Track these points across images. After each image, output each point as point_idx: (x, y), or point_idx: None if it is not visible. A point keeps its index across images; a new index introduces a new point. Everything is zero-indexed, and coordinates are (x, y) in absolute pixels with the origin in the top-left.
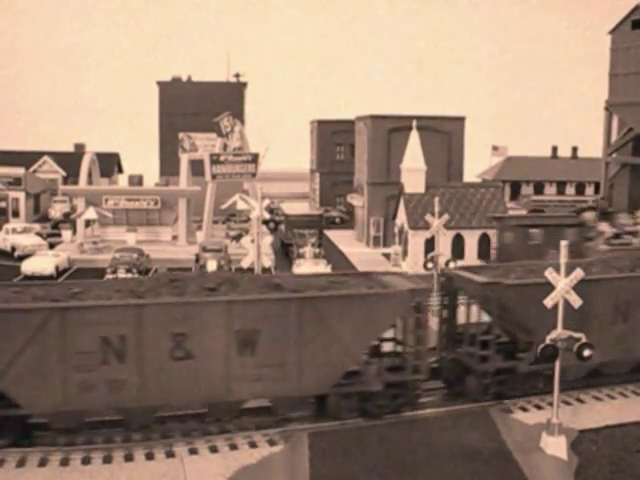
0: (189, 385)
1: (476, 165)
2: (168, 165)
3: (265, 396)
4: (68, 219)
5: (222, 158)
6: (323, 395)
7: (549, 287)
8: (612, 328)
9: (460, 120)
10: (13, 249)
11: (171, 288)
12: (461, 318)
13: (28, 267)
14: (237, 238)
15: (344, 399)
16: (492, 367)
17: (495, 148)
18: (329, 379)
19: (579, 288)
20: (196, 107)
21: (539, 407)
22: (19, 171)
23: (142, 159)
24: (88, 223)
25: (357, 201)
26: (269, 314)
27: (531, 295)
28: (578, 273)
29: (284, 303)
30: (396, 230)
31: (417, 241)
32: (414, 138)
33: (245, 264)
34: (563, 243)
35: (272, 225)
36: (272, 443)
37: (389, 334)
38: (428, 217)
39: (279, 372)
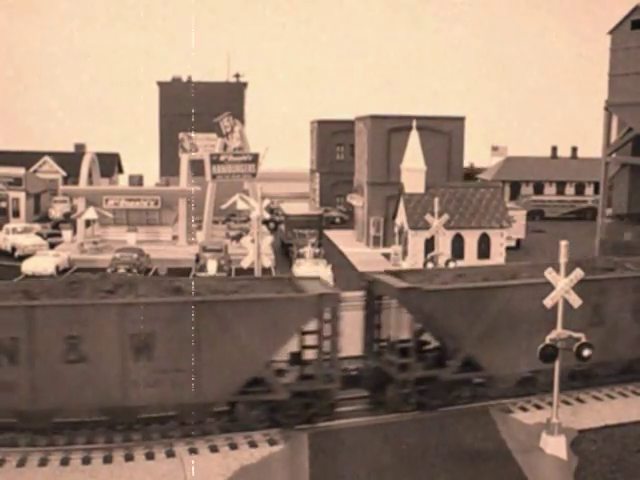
0: (83, 389)
1: (476, 165)
2: (168, 165)
3: (164, 403)
4: (68, 219)
5: (222, 158)
6: (233, 403)
7: (470, 292)
8: (539, 336)
9: (460, 120)
10: (13, 249)
11: (68, 290)
12: (387, 324)
13: (28, 267)
14: (237, 238)
15: (253, 408)
16: (412, 376)
17: (495, 148)
18: (230, 387)
19: (473, 296)
20: (196, 107)
21: (539, 407)
22: (19, 171)
23: (142, 159)
24: (88, 223)
25: (357, 201)
26: (164, 318)
27: (451, 300)
28: (578, 273)
29: (180, 307)
30: (396, 230)
31: (417, 241)
32: (414, 138)
33: (245, 264)
34: (563, 243)
35: (272, 225)
36: (272, 443)
37: (312, 341)
38: (428, 217)
39: (177, 378)
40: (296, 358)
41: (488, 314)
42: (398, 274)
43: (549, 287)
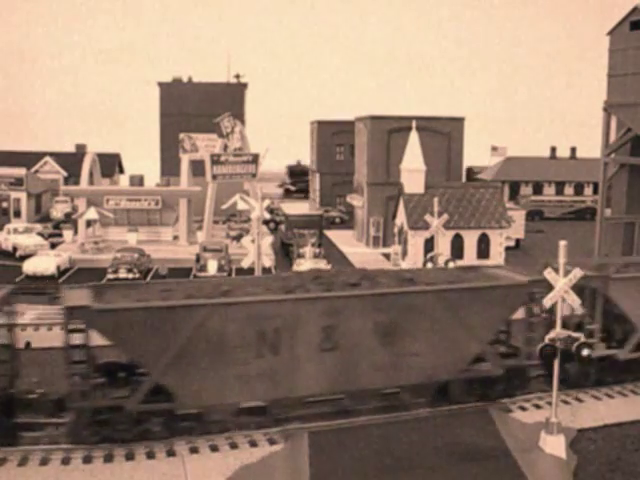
0: None
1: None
2: (169, 165)
3: None
4: (69, 219)
5: (223, 159)
6: None
7: (152, 312)
8: (256, 362)
9: (459, 120)
10: (15, 249)
11: None
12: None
13: (30, 267)
14: (237, 238)
15: None
16: (90, 404)
17: (494, 148)
18: None
19: (157, 316)
20: (197, 108)
21: (538, 406)
22: (21, 171)
23: (143, 159)
24: (89, 223)
25: (357, 201)
26: None
27: (129, 321)
28: (577, 272)
29: None
30: (396, 230)
31: (417, 241)
32: (413, 138)
33: (245, 264)
34: (562, 243)
35: (272, 225)
36: (272, 442)
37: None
38: (427, 217)
39: None
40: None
41: (178, 337)
42: (100, 289)
43: (268, 306)
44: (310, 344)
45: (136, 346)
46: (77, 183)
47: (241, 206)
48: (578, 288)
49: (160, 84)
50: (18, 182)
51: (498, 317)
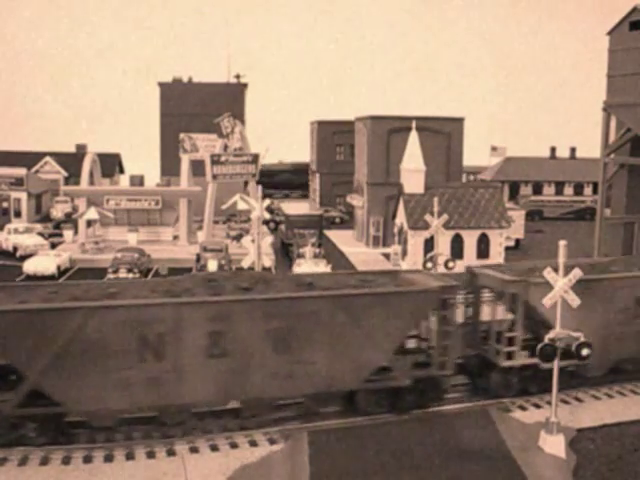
0: None
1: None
2: (169, 165)
3: None
4: (70, 219)
5: (223, 159)
6: None
7: (32, 314)
8: (141, 367)
9: (459, 121)
10: (15, 249)
11: None
12: None
13: (30, 267)
14: (237, 238)
15: None
16: None
17: (494, 148)
18: None
19: (32, 319)
20: (197, 108)
21: (538, 406)
22: (21, 171)
23: (143, 159)
24: (90, 223)
25: (357, 201)
26: None
27: (9, 323)
28: (577, 272)
29: None
30: (396, 230)
31: (416, 241)
32: (413, 139)
33: (245, 264)
34: (562, 243)
35: (272, 225)
36: (272, 442)
37: None
38: (427, 217)
39: None
40: None
41: (56, 340)
42: None
43: (148, 310)
44: (196, 350)
45: (11, 349)
46: (77, 183)
47: (241, 206)
48: (497, 293)
49: (160, 84)
50: (18, 182)
51: (403, 325)
